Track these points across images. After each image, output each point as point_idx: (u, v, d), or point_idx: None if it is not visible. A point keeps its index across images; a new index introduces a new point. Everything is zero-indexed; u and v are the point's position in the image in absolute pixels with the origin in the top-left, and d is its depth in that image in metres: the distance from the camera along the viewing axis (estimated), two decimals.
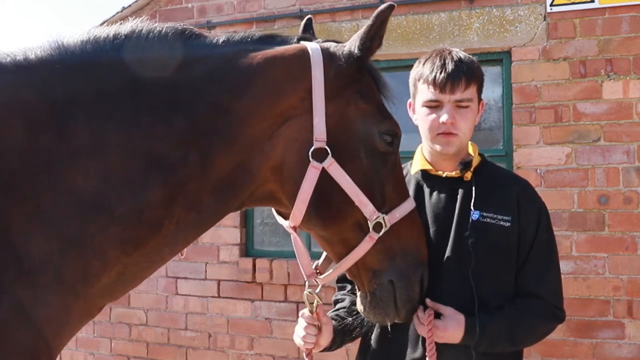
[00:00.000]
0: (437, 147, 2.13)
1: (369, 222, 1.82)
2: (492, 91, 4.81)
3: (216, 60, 1.72)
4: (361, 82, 1.85)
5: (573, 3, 4.52)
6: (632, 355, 4.29)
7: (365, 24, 1.80)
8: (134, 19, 1.73)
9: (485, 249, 2.08)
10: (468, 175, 2.16)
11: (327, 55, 1.80)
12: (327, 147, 1.75)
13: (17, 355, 1.50)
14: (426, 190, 2.20)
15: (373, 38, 1.79)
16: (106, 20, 5.56)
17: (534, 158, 4.57)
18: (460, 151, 2.19)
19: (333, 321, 2.20)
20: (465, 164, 2.16)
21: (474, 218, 2.10)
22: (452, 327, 2.01)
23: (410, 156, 2.34)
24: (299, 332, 2.13)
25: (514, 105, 4.66)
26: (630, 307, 4.31)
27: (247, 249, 5.50)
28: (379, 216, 1.82)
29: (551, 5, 4.58)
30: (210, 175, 1.68)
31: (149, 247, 1.65)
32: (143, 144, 1.61)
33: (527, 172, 4.52)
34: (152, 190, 1.61)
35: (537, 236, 2.13)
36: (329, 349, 2.19)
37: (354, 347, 2.33)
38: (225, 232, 5.38)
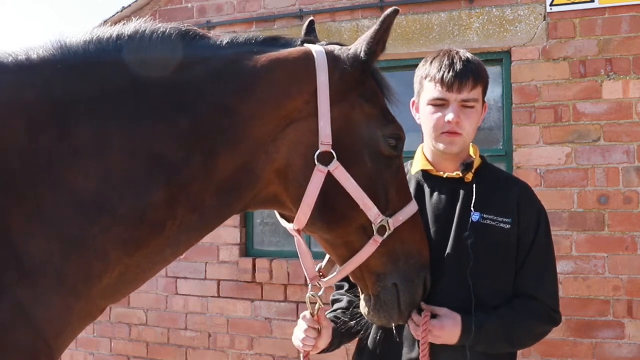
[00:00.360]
0: (441, 147, 2.13)
1: (373, 225, 1.82)
2: (492, 91, 4.80)
3: (220, 62, 1.72)
4: (366, 85, 1.85)
5: (573, 3, 4.52)
6: (632, 355, 4.29)
7: (367, 25, 1.80)
8: (136, 19, 1.72)
9: (485, 250, 2.08)
10: (469, 177, 2.16)
11: (331, 58, 1.80)
12: (332, 151, 1.75)
13: (17, 356, 1.50)
14: (427, 191, 2.20)
15: (379, 42, 1.80)
16: (106, 20, 5.56)
17: (534, 158, 4.57)
18: (463, 152, 2.19)
19: (332, 323, 2.19)
20: (467, 166, 2.16)
21: (474, 219, 2.10)
22: (448, 326, 2.01)
23: (410, 156, 2.34)
24: (299, 334, 2.14)
25: (514, 105, 4.66)
26: (630, 307, 4.31)
27: (247, 249, 5.50)
28: (383, 219, 1.83)
29: (551, 5, 4.59)
30: (214, 177, 1.68)
31: (151, 248, 1.64)
32: (145, 144, 1.61)
33: (527, 172, 4.53)
34: (155, 191, 1.60)
35: (536, 239, 2.14)
36: (327, 350, 2.20)
37: (353, 346, 2.33)
38: (225, 232, 5.38)
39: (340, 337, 2.20)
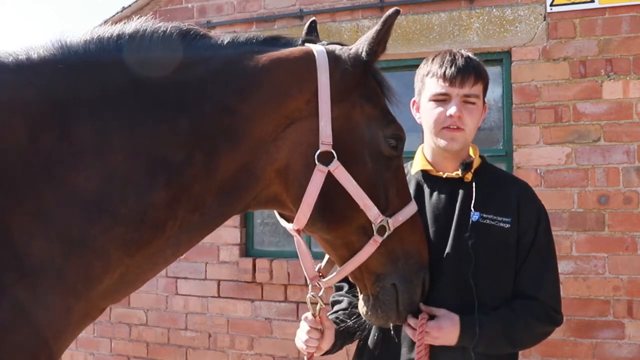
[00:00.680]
0: (442, 142, 2.12)
1: (373, 225, 1.82)
2: (492, 91, 4.81)
3: (221, 62, 1.72)
4: (366, 85, 1.85)
5: (573, 3, 4.52)
6: (632, 355, 4.29)
7: (367, 25, 1.80)
8: (137, 19, 1.72)
9: (485, 250, 2.07)
10: (468, 177, 2.16)
11: (332, 58, 1.80)
12: (332, 151, 1.75)
13: (17, 356, 1.49)
14: (426, 191, 2.20)
15: (379, 42, 1.80)
16: (106, 20, 5.56)
17: (534, 158, 4.57)
18: (462, 150, 2.18)
19: (334, 324, 2.19)
20: (466, 165, 2.16)
21: (473, 219, 2.09)
22: (446, 326, 2.00)
23: (410, 157, 2.34)
24: (302, 336, 2.13)
25: (514, 105, 4.66)
26: (630, 307, 4.31)
27: (247, 249, 5.50)
28: (383, 219, 1.83)
29: (551, 5, 4.59)
30: (215, 177, 1.68)
31: (151, 248, 1.64)
32: (146, 144, 1.60)
33: (527, 172, 4.53)
34: (156, 191, 1.60)
35: (536, 238, 2.13)
36: (330, 352, 2.19)
37: (353, 347, 2.33)
38: (225, 232, 5.38)
39: (342, 337, 2.19)
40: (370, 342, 2.20)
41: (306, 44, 1.86)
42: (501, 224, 2.11)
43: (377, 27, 1.79)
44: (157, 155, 1.61)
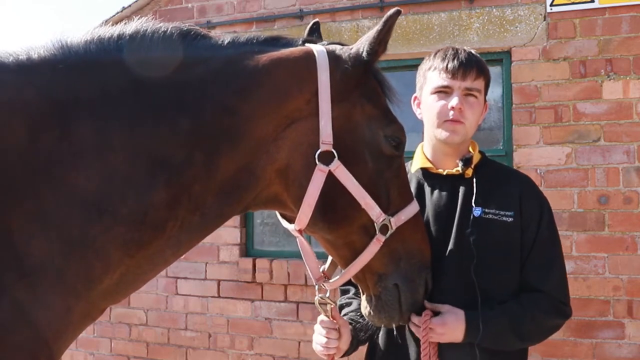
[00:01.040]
0: (443, 135, 2.12)
1: (375, 224, 1.82)
2: (492, 91, 4.78)
3: (221, 62, 1.72)
4: (367, 85, 1.85)
5: (573, 3, 4.52)
6: (632, 355, 4.29)
7: (367, 25, 1.80)
8: (137, 19, 1.72)
9: (489, 245, 2.06)
10: (469, 172, 2.15)
11: (333, 57, 1.80)
12: (333, 150, 1.74)
13: (17, 356, 1.49)
14: (427, 189, 2.19)
15: (380, 42, 1.79)
16: (106, 20, 5.56)
17: (534, 158, 4.57)
18: (462, 146, 2.18)
19: (348, 323, 2.17)
20: (466, 161, 2.15)
21: (475, 214, 2.08)
22: (450, 322, 1.99)
23: (410, 156, 2.34)
24: (319, 339, 2.10)
25: (514, 105, 4.66)
26: (630, 307, 4.31)
27: (247, 249, 5.50)
28: (385, 218, 1.82)
29: (551, 5, 4.59)
30: (215, 177, 1.67)
31: (152, 249, 1.64)
32: (146, 144, 1.60)
33: (527, 172, 4.50)
34: (156, 192, 1.60)
35: (539, 231, 2.12)
36: (347, 353, 2.17)
37: (363, 348, 2.30)
38: (225, 232, 5.38)
39: (357, 338, 2.18)
40: (380, 342, 2.19)
41: (307, 44, 1.86)
42: (504, 218, 2.09)
43: (378, 27, 1.79)
44: (157, 156, 1.61)
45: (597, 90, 4.47)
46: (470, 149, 2.22)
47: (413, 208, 1.92)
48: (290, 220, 1.88)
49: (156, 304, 5.66)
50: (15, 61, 1.57)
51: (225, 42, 1.76)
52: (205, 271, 5.51)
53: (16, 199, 1.49)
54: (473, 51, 2.20)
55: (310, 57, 1.78)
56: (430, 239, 2.04)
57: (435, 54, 2.20)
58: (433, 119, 2.14)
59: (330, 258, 2.04)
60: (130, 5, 5.77)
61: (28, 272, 1.49)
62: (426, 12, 4.92)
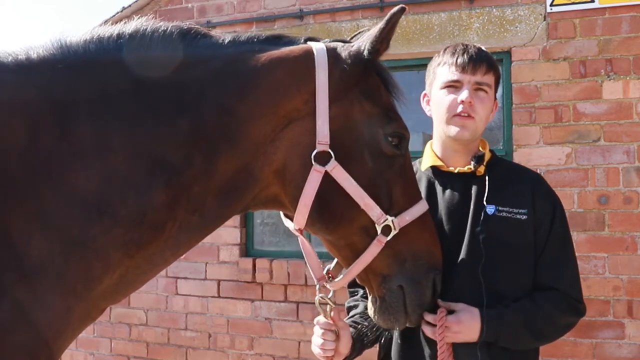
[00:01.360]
0: (453, 130, 2.09)
1: (376, 225, 1.78)
2: None
3: (221, 61, 1.70)
4: (367, 82, 1.81)
5: (573, 3, 4.52)
6: (632, 355, 4.29)
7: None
8: (137, 19, 1.71)
9: (503, 242, 2.03)
10: (481, 170, 2.12)
11: (332, 55, 1.77)
12: (330, 151, 1.72)
13: (17, 356, 1.49)
14: (438, 187, 2.16)
15: (383, 40, 1.76)
16: (106, 20, 5.56)
17: (534, 158, 4.57)
18: (472, 144, 2.15)
19: (350, 328, 2.14)
20: (479, 158, 2.12)
21: (489, 212, 2.06)
22: (465, 319, 1.95)
23: (418, 156, 2.31)
24: (316, 341, 2.06)
25: (514, 105, 4.66)
26: (630, 307, 4.31)
27: (247, 249, 5.50)
28: (387, 219, 1.79)
29: (551, 5, 4.58)
30: (214, 178, 1.67)
31: (151, 249, 1.63)
32: (146, 144, 1.60)
33: None
34: (156, 192, 1.59)
35: (552, 228, 2.10)
36: (349, 357, 2.12)
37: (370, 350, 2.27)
38: (225, 232, 5.38)
39: (360, 341, 2.14)
40: (394, 343, 2.15)
41: (308, 42, 1.83)
42: (518, 216, 2.07)
43: (381, 24, 1.75)
44: (156, 156, 1.61)
45: (597, 90, 4.46)
46: (481, 148, 2.19)
47: (420, 208, 1.88)
48: (292, 220, 1.86)
49: (156, 304, 5.66)
50: (15, 61, 1.57)
51: (226, 42, 1.75)
52: (205, 271, 5.51)
53: (16, 199, 1.49)
54: (483, 47, 2.18)
55: (309, 55, 1.76)
56: (443, 238, 2.01)
57: (445, 50, 2.18)
58: (442, 114, 2.11)
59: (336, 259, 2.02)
60: (130, 5, 5.77)
61: (28, 272, 1.49)
62: (426, 12, 4.92)
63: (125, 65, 1.63)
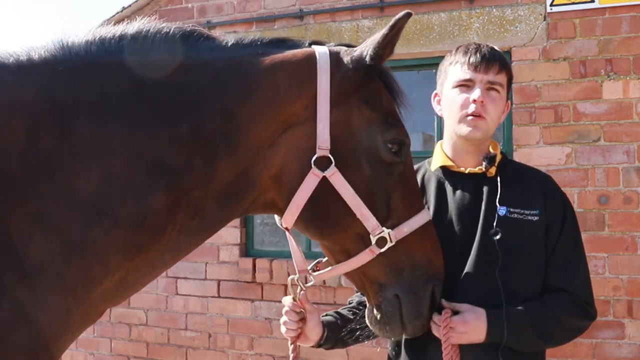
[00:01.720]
0: (464, 130, 2.05)
1: (371, 236, 1.75)
2: None
3: (223, 64, 1.69)
4: (368, 88, 1.79)
5: (573, 3, 4.52)
6: (632, 355, 4.29)
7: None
8: (139, 19, 1.70)
9: (515, 244, 2.01)
10: (492, 171, 2.09)
11: (334, 60, 1.75)
12: (330, 156, 1.70)
13: (17, 356, 1.49)
14: (448, 188, 2.12)
15: (386, 46, 1.74)
16: (106, 20, 5.56)
17: (534, 158, 4.57)
18: (483, 144, 2.13)
19: (328, 317, 2.13)
20: (490, 159, 2.09)
21: (501, 214, 2.03)
22: (471, 319, 1.92)
23: (421, 156, 2.29)
24: (282, 319, 2.08)
25: (514, 105, 4.65)
26: (630, 307, 4.31)
27: (247, 249, 5.50)
28: (382, 231, 1.75)
29: (551, 5, 4.58)
30: (214, 182, 1.66)
31: (151, 253, 1.63)
32: (147, 147, 1.59)
33: None
34: (156, 196, 1.59)
35: (563, 230, 2.07)
36: (322, 345, 2.11)
37: (353, 347, 2.29)
38: (225, 232, 5.37)
39: (338, 332, 2.12)
40: (404, 343, 2.10)
41: (312, 46, 1.81)
42: (529, 217, 2.04)
43: (385, 30, 1.72)
44: (157, 158, 1.60)
45: (597, 90, 4.46)
46: (491, 149, 2.17)
47: (421, 218, 1.83)
48: None
49: (156, 304, 5.66)
50: (16, 62, 1.57)
51: (229, 44, 1.73)
52: (205, 271, 5.51)
53: (16, 199, 1.49)
54: (495, 47, 2.16)
55: (311, 59, 1.74)
56: (453, 238, 1.99)
57: (457, 49, 2.15)
58: (454, 114, 2.08)
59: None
60: (130, 5, 5.77)
61: (28, 272, 1.49)
62: (426, 12, 4.92)
63: (126, 67, 1.62)
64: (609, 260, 4.37)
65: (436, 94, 2.23)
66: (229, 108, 1.68)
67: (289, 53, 1.76)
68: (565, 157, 4.51)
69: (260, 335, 5.28)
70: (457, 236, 2.04)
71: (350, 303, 2.27)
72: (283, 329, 2.08)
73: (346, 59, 1.76)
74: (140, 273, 1.66)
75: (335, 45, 1.84)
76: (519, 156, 4.60)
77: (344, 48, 1.82)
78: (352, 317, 2.15)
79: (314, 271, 1.96)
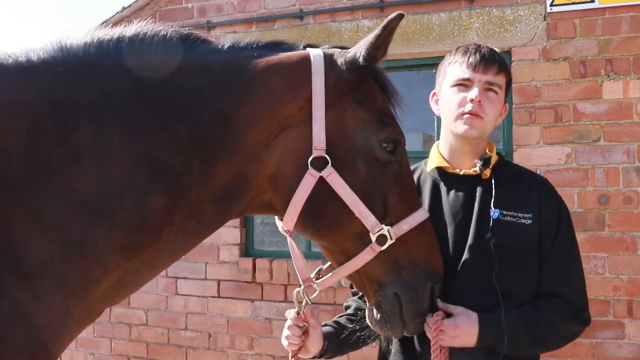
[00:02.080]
0: (461, 128, 2.05)
1: (370, 234, 1.76)
2: None
3: (220, 67, 1.71)
4: (361, 88, 1.80)
5: (573, 3, 4.52)
6: (632, 355, 4.29)
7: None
8: (137, 20, 1.71)
9: (507, 247, 1.99)
10: (487, 173, 2.09)
11: (328, 62, 1.77)
12: (326, 156, 1.71)
13: (17, 356, 1.50)
14: (443, 189, 2.12)
15: (379, 47, 1.75)
16: (106, 20, 5.56)
17: (534, 158, 4.57)
18: (479, 145, 2.13)
19: (328, 327, 2.13)
20: (485, 161, 2.09)
21: (494, 216, 2.02)
22: (463, 324, 1.91)
23: (417, 156, 2.29)
24: (284, 333, 2.07)
25: (514, 105, 4.65)
26: (630, 307, 4.31)
27: (247, 249, 5.50)
28: (382, 228, 1.76)
29: (551, 5, 4.58)
30: (212, 184, 1.67)
31: (149, 254, 1.64)
32: (145, 149, 1.60)
33: None
34: (155, 197, 1.60)
35: (558, 234, 2.06)
36: (322, 356, 2.10)
37: (353, 353, 2.27)
38: (225, 232, 5.38)
39: (338, 342, 2.12)
40: (393, 347, 2.11)
41: (307, 49, 1.82)
42: (522, 220, 2.03)
43: (377, 31, 1.74)
44: (155, 161, 1.61)
45: (597, 90, 4.46)
46: (487, 150, 2.17)
47: (419, 216, 1.85)
48: None
49: (156, 304, 5.66)
50: (15, 63, 1.57)
51: (225, 47, 1.75)
52: (205, 271, 5.51)
53: (16, 199, 1.50)
54: (496, 49, 2.16)
55: (306, 61, 1.75)
56: (446, 240, 1.99)
57: (457, 49, 2.15)
58: (451, 112, 2.07)
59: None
60: (130, 6, 5.76)
61: (28, 273, 1.49)
62: (426, 12, 4.92)
63: (125, 69, 1.63)
64: (609, 260, 4.37)
65: (434, 93, 2.22)
66: (227, 110, 1.69)
67: (284, 56, 1.77)
68: (565, 157, 4.51)
69: (260, 335, 5.28)
70: (449, 238, 2.04)
71: (346, 309, 2.27)
72: (285, 342, 2.07)
73: (340, 60, 1.78)
74: (138, 274, 1.67)
75: (330, 47, 1.86)
76: (519, 156, 4.60)
77: (338, 50, 1.83)
78: (350, 325, 2.14)
79: (317, 279, 1.96)
